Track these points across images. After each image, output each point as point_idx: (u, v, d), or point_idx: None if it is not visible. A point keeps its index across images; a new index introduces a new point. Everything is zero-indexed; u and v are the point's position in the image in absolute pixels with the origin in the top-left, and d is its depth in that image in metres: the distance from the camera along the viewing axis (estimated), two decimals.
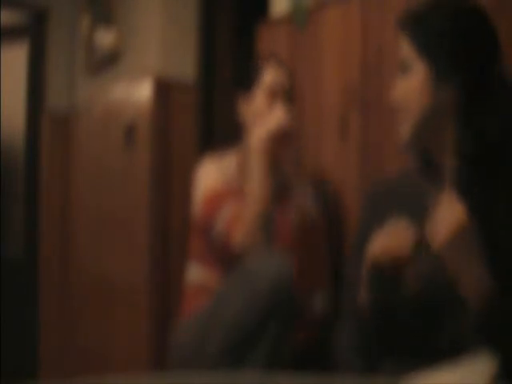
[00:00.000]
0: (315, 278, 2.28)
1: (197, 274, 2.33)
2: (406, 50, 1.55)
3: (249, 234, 2.11)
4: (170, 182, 3.51)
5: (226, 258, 2.19)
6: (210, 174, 2.32)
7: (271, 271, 1.98)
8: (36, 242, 4.32)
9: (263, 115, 2.24)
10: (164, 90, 3.54)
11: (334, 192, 2.47)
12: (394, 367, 1.43)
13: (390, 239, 1.43)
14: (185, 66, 3.61)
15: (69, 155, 4.30)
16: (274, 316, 1.95)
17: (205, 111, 3.59)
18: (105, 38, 3.95)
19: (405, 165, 1.67)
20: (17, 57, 4.42)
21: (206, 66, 3.60)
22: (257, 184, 2.14)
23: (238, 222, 2.14)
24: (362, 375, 1.49)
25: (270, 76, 2.33)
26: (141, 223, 3.55)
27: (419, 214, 1.48)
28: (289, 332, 2.03)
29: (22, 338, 4.28)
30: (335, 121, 2.46)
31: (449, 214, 1.34)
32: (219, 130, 3.57)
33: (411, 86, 1.54)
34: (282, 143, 2.24)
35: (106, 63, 3.94)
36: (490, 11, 1.53)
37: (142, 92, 3.60)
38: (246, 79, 2.36)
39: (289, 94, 2.33)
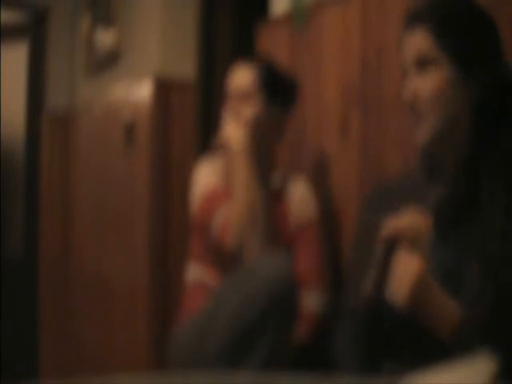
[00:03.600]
0: (311, 276, 2.27)
1: (196, 273, 2.33)
2: (423, 43, 1.46)
3: (238, 235, 2.12)
4: (170, 181, 3.51)
5: (223, 259, 2.20)
6: (207, 175, 2.32)
7: (269, 271, 1.98)
8: (36, 241, 4.32)
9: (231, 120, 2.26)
10: (164, 89, 3.54)
11: (333, 190, 2.47)
12: (394, 367, 1.42)
13: (407, 218, 1.38)
14: (185, 66, 3.61)
15: (69, 155, 4.30)
16: (272, 316, 1.95)
17: (205, 111, 3.59)
18: (105, 38, 3.95)
19: (405, 164, 1.67)
20: (17, 57, 4.42)
21: (206, 65, 3.60)
22: (241, 186, 2.15)
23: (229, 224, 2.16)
24: (361, 375, 1.49)
25: (229, 81, 2.33)
26: (141, 223, 3.55)
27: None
28: (288, 332, 2.03)
29: (22, 338, 4.28)
30: (335, 120, 2.46)
31: (406, 270, 1.32)
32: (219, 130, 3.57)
33: (433, 83, 1.45)
34: (267, 138, 2.28)
35: (106, 63, 3.94)
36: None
37: (142, 92, 3.60)
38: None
39: (260, 90, 2.29)
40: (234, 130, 2.21)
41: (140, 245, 3.55)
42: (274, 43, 2.76)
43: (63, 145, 4.31)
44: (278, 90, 2.33)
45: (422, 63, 1.46)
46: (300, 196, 2.35)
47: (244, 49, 3.13)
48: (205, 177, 2.32)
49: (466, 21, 1.48)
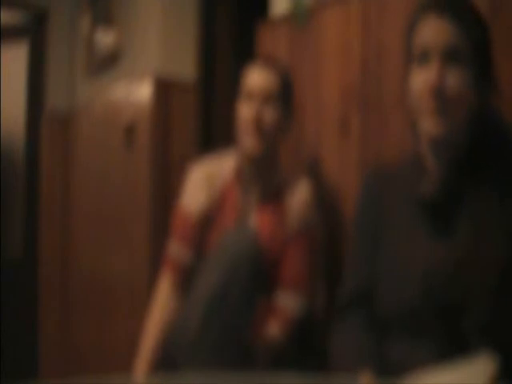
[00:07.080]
0: (292, 282, 2.28)
1: None
2: (452, 37, 1.41)
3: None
4: (170, 182, 3.51)
5: None
6: (196, 190, 2.36)
7: (229, 244, 2.07)
8: (36, 241, 4.32)
9: (247, 123, 2.26)
10: (164, 89, 3.54)
11: (333, 190, 2.47)
12: (395, 366, 1.42)
13: None
14: (185, 66, 3.61)
15: (69, 155, 4.30)
16: (239, 281, 2.01)
17: (205, 111, 3.59)
18: (105, 38, 3.95)
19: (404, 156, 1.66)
20: (17, 57, 4.42)
21: (206, 65, 3.60)
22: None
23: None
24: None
25: (251, 80, 2.30)
26: (141, 223, 3.55)
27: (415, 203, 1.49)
28: (256, 295, 2.07)
29: (22, 338, 4.28)
30: (335, 120, 2.46)
31: None
32: (219, 130, 3.58)
33: (463, 78, 1.41)
34: (275, 142, 2.30)
35: (106, 63, 3.95)
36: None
37: (142, 92, 3.60)
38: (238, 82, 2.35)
39: (280, 96, 2.28)
40: None
41: (140, 245, 3.55)
42: (274, 43, 2.76)
43: (63, 145, 4.31)
44: (292, 95, 2.34)
45: (451, 57, 1.42)
46: (300, 201, 2.32)
47: (244, 49, 3.13)
48: (192, 191, 2.36)
49: (483, 23, 1.47)
